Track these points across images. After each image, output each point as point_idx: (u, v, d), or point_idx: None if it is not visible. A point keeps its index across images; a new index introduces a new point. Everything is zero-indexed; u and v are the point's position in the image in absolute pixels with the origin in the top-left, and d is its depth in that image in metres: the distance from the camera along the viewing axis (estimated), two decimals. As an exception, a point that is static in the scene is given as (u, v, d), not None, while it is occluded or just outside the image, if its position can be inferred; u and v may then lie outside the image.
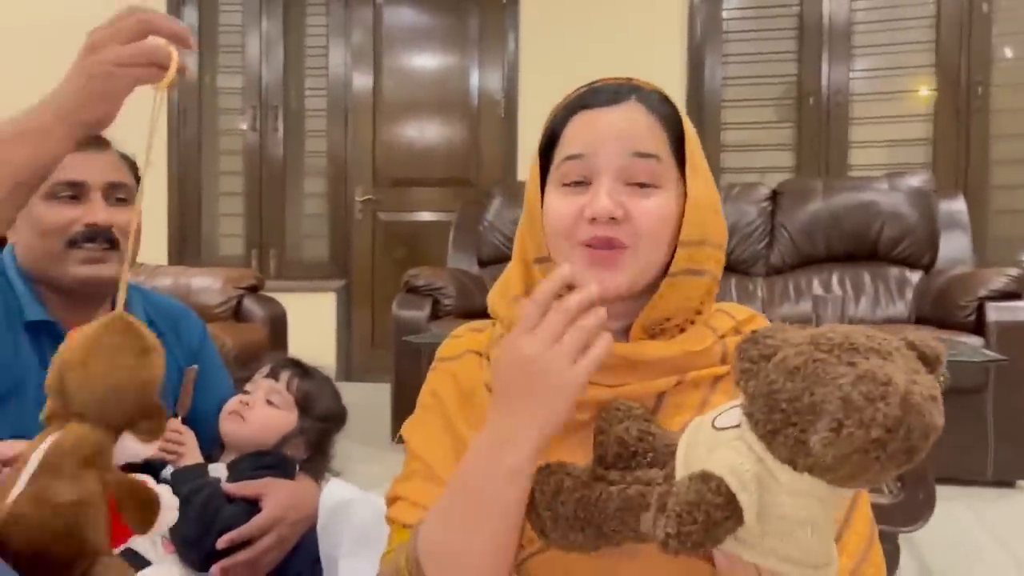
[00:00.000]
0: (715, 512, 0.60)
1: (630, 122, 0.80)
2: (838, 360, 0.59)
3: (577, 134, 0.81)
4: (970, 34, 4.21)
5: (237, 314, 3.23)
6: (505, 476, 0.72)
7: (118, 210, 1.21)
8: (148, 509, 0.87)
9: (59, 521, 0.81)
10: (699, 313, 0.83)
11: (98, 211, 1.18)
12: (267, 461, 1.23)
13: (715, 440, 0.66)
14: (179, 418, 1.26)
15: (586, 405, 0.77)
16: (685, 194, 0.80)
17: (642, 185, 0.79)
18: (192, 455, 1.23)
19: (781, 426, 0.60)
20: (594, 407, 0.77)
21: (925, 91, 4.33)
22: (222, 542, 1.11)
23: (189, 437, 1.24)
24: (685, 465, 0.67)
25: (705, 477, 0.62)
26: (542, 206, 0.84)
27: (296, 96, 5.12)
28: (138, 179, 1.26)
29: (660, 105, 0.82)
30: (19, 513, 0.80)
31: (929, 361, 0.61)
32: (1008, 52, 4.24)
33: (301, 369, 1.34)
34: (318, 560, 1.20)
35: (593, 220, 0.77)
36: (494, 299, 0.90)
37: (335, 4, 5.01)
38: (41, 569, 0.80)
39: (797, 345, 0.62)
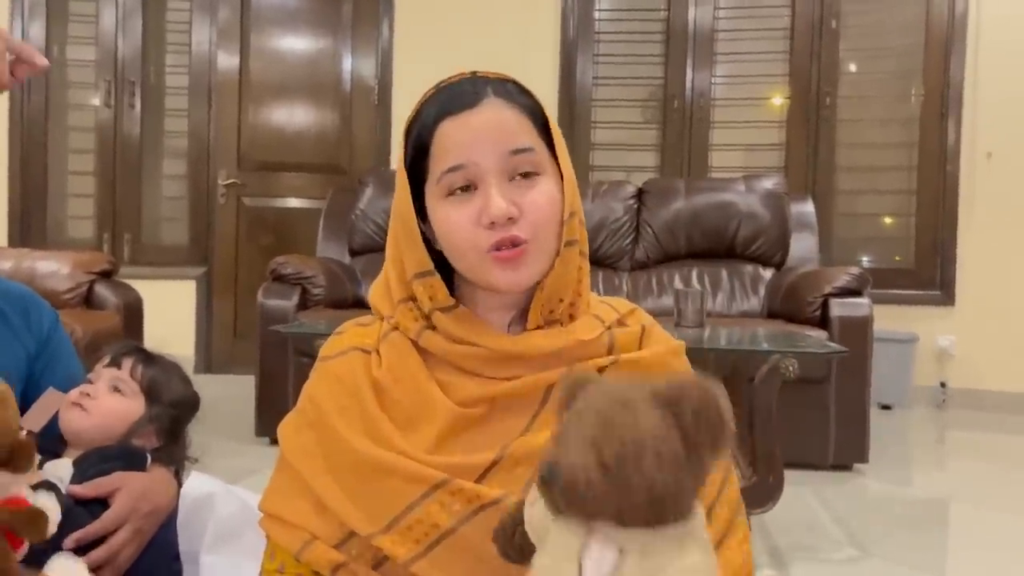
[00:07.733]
0: None
1: (499, 121, 0.80)
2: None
3: (450, 145, 0.79)
4: (820, 47, 4.49)
5: (88, 301, 3.04)
6: None
7: None
8: (37, 523, 0.92)
9: None
10: (580, 282, 0.84)
11: None
12: (113, 453, 1.16)
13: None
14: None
15: (481, 400, 0.80)
16: (559, 175, 0.83)
17: (525, 175, 0.80)
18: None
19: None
20: (488, 401, 0.80)
21: (779, 99, 4.59)
22: (69, 542, 1.04)
23: None
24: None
25: None
26: (424, 220, 0.83)
27: (156, 72, 4.86)
28: None
29: (519, 96, 0.82)
30: None
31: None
32: (853, 66, 4.56)
33: (145, 356, 1.27)
34: (177, 557, 1.15)
35: (492, 224, 0.78)
36: (377, 299, 0.89)
37: (200, -22, 4.79)
38: None
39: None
